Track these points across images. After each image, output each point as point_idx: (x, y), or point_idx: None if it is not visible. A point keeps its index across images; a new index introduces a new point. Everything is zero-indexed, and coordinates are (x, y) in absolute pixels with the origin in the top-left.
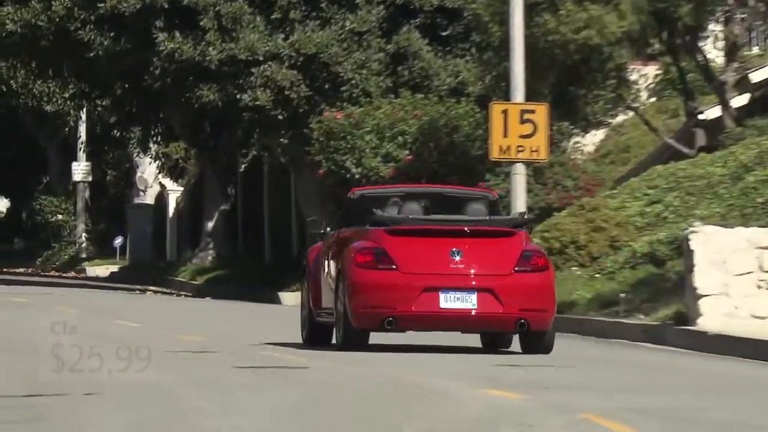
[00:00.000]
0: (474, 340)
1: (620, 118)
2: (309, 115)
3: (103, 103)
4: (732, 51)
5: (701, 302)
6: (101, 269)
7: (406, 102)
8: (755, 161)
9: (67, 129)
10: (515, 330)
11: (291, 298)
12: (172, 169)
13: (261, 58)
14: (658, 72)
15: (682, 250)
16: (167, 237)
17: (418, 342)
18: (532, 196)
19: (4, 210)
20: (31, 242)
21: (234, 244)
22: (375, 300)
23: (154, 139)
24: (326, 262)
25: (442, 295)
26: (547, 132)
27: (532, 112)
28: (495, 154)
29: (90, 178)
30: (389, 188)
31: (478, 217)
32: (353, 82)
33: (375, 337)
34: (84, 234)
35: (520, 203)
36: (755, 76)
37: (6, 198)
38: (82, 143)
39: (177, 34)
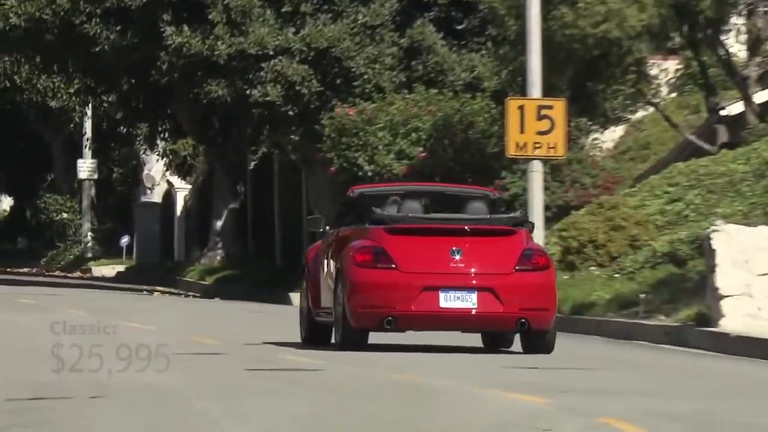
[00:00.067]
0: (475, 339)
1: (640, 113)
2: (320, 111)
3: (109, 99)
4: (755, 45)
5: (723, 303)
6: (107, 269)
7: (420, 97)
8: None
9: (72, 125)
10: (516, 329)
11: None
12: (180, 167)
13: (271, 53)
14: (679, 66)
15: (703, 249)
16: (175, 236)
17: (420, 342)
18: (550, 194)
19: (8, 208)
20: (36, 241)
21: (243, 243)
22: (374, 299)
23: (162, 135)
24: (325, 261)
25: (442, 295)
26: (564, 128)
27: (550, 107)
28: (511, 151)
29: (96, 176)
30: (389, 186)
31: (478, 215)
32: (366, 77)
33: (376, 337)
34: (90, 233)
35: (537, 201)
36: None
37: (10, 196)
38: (87, 140)
39: (185, 27)
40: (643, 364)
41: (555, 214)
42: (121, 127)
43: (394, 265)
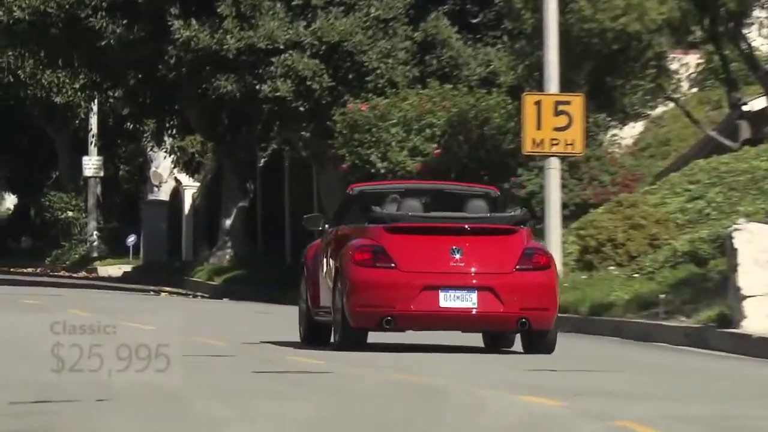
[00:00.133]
0: (476, 339)
1: (660, 109)
2: (332, 107)
3: (116, 95)
4: None
5: (745, 303)
6: (113, 269)
7: (434, 93)
8: None
9: (77, 121)
10: (516, 329)
11: None
12: (188, 164)
13: (281, 47)
14: (700, 61)
15: (725, 248)
16: (183, 235)
17: (421, 342)
18: (567, 192)
19: (12, 207)
20: (40, 241)
21: (253, 242)
22: (373, 299)
23: (169, 132)
24: (324, 259)
25: (441, 294)
26: (582, 124)
27: (567, 103)
28: (528, 148)
29: (101, 173)
30: (389, 184)
31: (478, 214)
32: (378, 71)
33: (377, 337)
34: (95, 232)
35: (554, 199)
36: None
37: (13, 194)
38: (93, 136)
39: (193, 21)
40: (663, 366)
41: (573, 212)
42: (128, 124)
43: (393, 264)
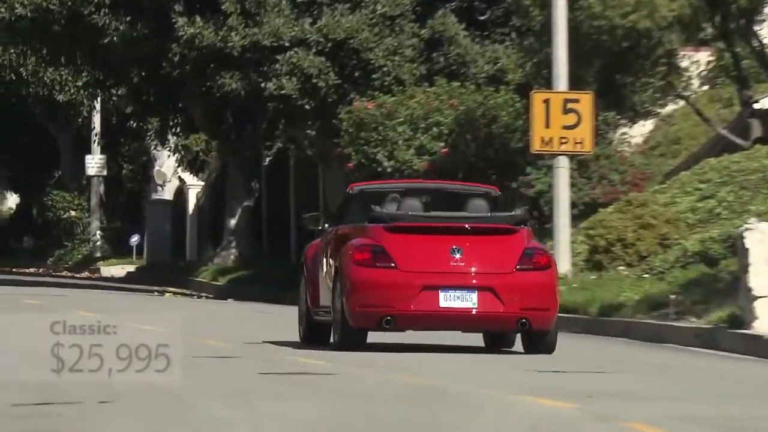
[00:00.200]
0: (477, 339)
1: (670, 107)
2: (338, 105)
3: (119, 93)
4: None
5: (757, 304)
6: (117, 269)
7: (442, 91)
8: None
9: (80, 120)
10: (516, 329)
11: None
12: (192, 163)
13: (287, 44)
14: (711, 58)
15: (736, 248)
16: (187, 235)
17: (423, 342)
18: (576, 191)
19: (14, 206)
20: (42, 240)
21: (258, 242)
22: (373, 299)
23: (173, 130)
24: (324, 259)
25: (441, 294)
26: (592, 122)
27: (576, 101)
28: (536, 147)
29: (105, 172)
30: (389, 183)
31: (479, 213)
32: (385, 69)
33: (378, 337)
34: (98, 232)
35: (563, 199)
36: None
37: (15, 193)
38: (96, 135)
39: (197, 18)
40: (673, 368)
41: (582, 211)
42: (131, 122)
43: (393, 264)
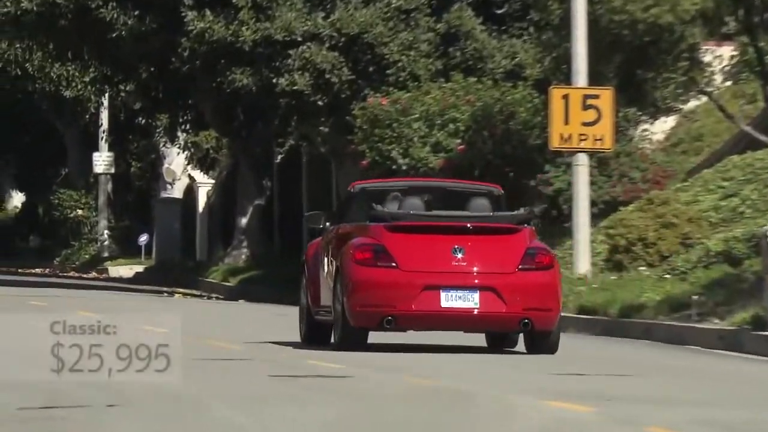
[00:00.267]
0: (478, 339)
1: (692, 103)
2: (351, 101)
3: (127, 88)
4: None
5: None
6: (125, 269)
7: (458, 86)
8: None
9: (87, 116)
10: (519, 330)
11: None
12: (202, 160)
13: (299, 39)
14: (734, 53)
15: (760, 247)
16: (197, 234)
17: (426, 342)
18: (596, 189)
19: (19, 205)
20: (49, 240)
21: (270, 241)
22: (374, 298)
23: (183, 127)
24: (325, 258)
25: (443, 294)
26: (612, 119)
27: (596, 97)
28: (555, 144)
29: (112, 170)
30: (391, 182)
31: (481, 213)
32: (400, 64)
33: (383, 337)
34: (106, 231)
35: (582, 197)
36: None
37: (20, 191)
38: (104, 132)
39: (207, 12)
40: (695, 371)
41: (602, 210)
42: (140, 119)
43: (394, 264)
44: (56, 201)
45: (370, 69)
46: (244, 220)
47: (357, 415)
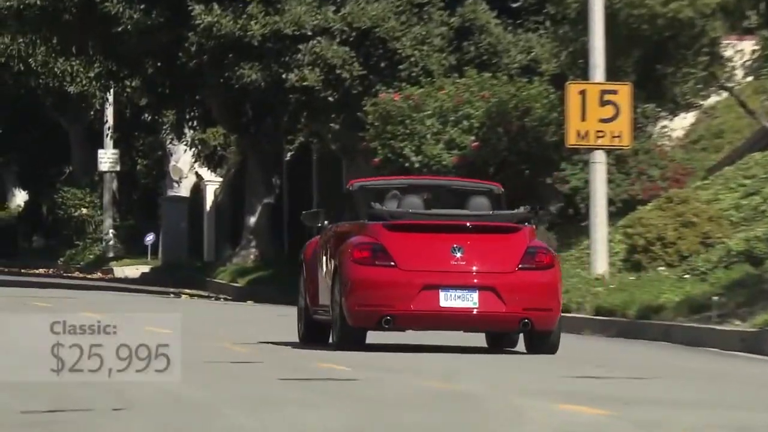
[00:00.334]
0: (478, 339)
1: (713, 99)
2: (363, 97)
3: (133, 84)
4: None
5: None
6: (131, 270)
7: (472, 82)
8: None
9: (92, 113)
10: (518, 330)
11: None
12: (210, 158)
13: (309, 33)
14: (756, 47)
15: None
16: (204, 234)
17: (427, 342)
18: (614, 187)
19: (22, 203)
20: (52, 240)
21: (279, 241)
22: (372, 298)
23: (190, 124)
24: (323, 257)
25: (442, 294)
26: (630, 115)
27: (614, 92)
28: (572, 140)
29: (118, 168)
30: (390, 180)
31: (480, 211)
32: (413, 59)
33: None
34: (111, 230)
35: (599, 195)
36: None
37: (24, 190)
38: (109, 129)
39: (215, 6)
40: (716, 374)
41: (620, 209)
42: (146, 115)
43: (393, 263)
44: (60, 200)
45: (382, 64)
46: (252, 219)
47: (370, 419)
